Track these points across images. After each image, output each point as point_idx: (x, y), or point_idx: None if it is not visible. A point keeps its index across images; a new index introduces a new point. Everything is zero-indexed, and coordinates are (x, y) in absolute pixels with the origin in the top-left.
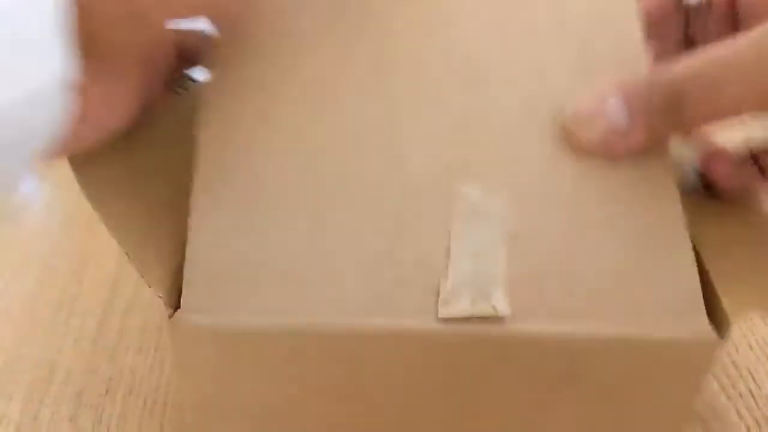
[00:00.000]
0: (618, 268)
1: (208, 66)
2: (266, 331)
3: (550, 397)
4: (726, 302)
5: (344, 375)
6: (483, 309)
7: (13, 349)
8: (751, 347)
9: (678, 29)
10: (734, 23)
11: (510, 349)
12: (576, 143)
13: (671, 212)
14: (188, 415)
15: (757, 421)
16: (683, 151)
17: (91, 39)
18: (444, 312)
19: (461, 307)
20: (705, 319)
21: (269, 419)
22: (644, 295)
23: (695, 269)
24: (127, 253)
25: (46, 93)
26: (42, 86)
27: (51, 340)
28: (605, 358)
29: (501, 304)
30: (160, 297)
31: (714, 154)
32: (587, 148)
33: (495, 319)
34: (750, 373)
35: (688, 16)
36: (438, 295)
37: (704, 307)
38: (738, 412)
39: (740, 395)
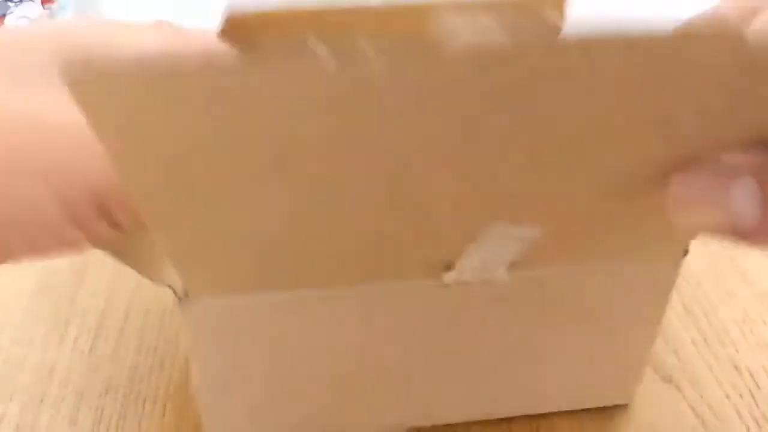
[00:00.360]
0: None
1: None
2: (274, 301)
3: (535, 324)
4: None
5: (349, 331)
6: (483, 278)
7: (13, 350)
8: (751, 347)
9: None
10: None
11: (502, 290)
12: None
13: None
14: (201, 396)
15: (757, 421)
16: None
17: None
18: (447, 280)
19: (464, 278)
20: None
21: (279, 387)
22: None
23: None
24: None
25: None
26: None
27: (51, 340)
28: (586, 288)
29: (501, 274)
30: (169, 287)
31: None
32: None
33: None
34: (750, 373)
35: None
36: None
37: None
38: (738, 412)
39: (740, 395)
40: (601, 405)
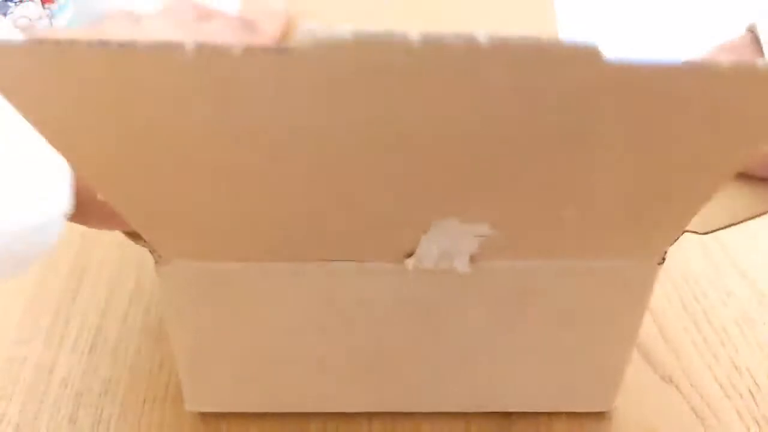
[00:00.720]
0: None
1: None
2: (243, 271)
3: (505, 319)
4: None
5: (318, 309)
6: (445, 268)
7: (13, 350)
8: (751, 347)
9: None
10: None
11: (469, 280)
12: None
13: None
14: (182, 369)
15: (757, 421)
16: None
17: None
18: (408, 266)
19: (424, 266)
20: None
21: (253, 359)
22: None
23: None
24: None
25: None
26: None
27: (51, 340)
28: (557, 286)
29: (462, 265)
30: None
31: None
32: None
33: None
34: (750, 373)
35: None
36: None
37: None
38: (738, 412)
39: (740, 395)
40: (577, 410)
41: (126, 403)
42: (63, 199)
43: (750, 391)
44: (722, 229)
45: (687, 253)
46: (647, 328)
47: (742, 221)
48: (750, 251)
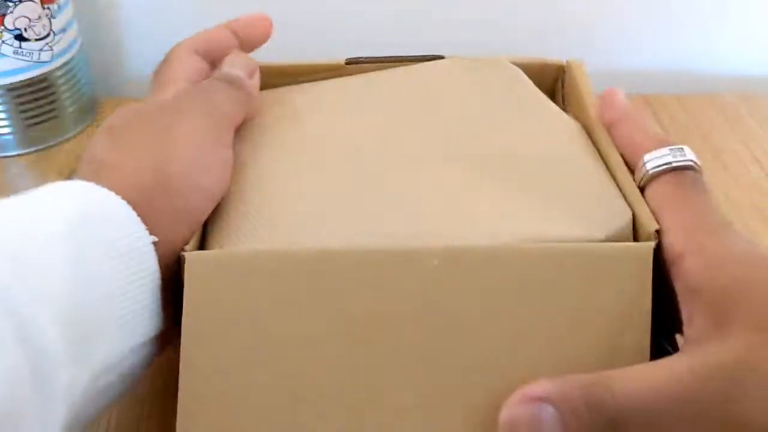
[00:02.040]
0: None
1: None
2: (274, 253)
3: (511, 312)
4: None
5: (341, 295)
6: None
7: None
8: None
9: None
10: None
11: (470, 261)
12: None
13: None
14: (197, 375)
15: None
16: None
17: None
18: None
19: None
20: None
21: (272, 367)
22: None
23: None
24: None
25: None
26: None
27: None
28: (551, 267)
29: None
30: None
31: None
32: None
33: None
34: None
35: None
36: None
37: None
38: None
39: None
40: None
41: (127, 403)
42: (149, 323)
43: None
44: None
45: None
46: None
47: None
48: None
